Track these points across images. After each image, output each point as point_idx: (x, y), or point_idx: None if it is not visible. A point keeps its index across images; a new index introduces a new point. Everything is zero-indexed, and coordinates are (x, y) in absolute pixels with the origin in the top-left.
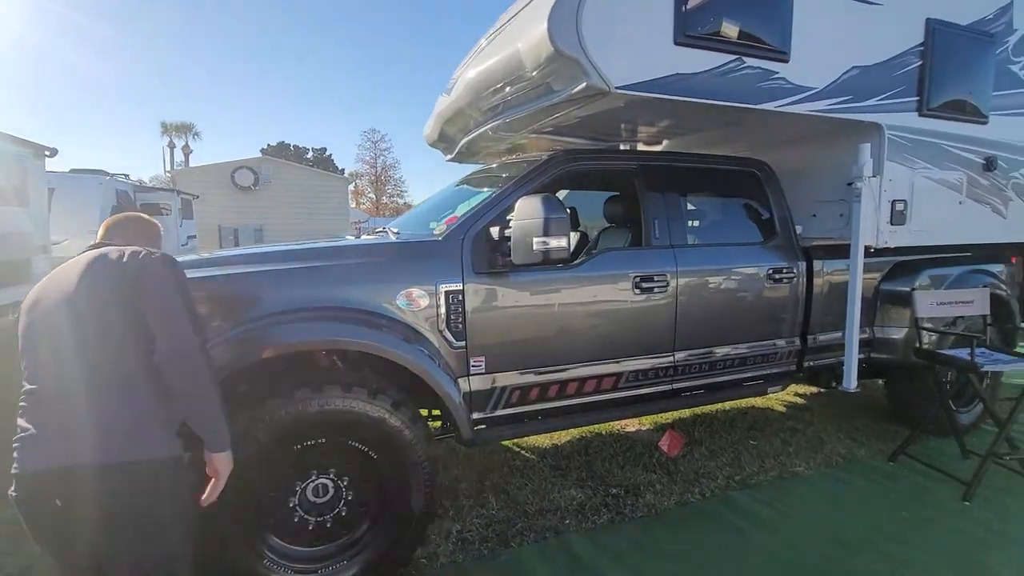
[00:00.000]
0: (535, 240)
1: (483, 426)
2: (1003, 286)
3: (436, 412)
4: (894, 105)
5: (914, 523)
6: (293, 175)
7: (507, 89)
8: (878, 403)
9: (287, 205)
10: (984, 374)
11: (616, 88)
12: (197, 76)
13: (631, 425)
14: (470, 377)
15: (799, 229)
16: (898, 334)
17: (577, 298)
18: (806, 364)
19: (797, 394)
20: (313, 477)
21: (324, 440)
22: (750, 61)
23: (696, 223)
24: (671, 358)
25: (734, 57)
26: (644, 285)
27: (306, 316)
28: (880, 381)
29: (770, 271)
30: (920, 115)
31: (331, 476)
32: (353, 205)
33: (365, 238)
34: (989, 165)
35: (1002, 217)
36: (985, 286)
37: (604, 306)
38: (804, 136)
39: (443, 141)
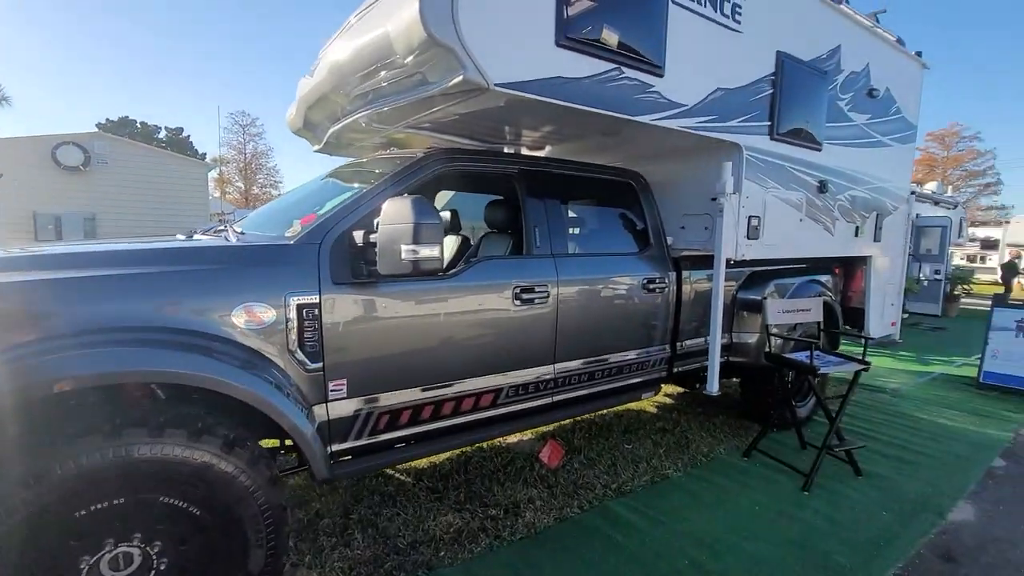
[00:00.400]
0: (404, 248)
1: (347, 457)
2: (831, 294)
3: (290, 442)
4: (751, 128)
5: (765, 517)
6: (137, 156)
7: (379, 75)
8: (734, 400)
9: (129, 191)
10: (820, 375)
11: (495, 85)
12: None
13: (512, 437)
14: (329, 404)
15: (670, 240)
16: (752, 339)
17: (453, 310)
18: (675, 370)
19: (666, 394)
20: (108, 547)
21: (123, 500)
22: (628, 72)
23: (576, 232)
24: (551, 370)
25: (613, 66)
26: (525, 296)
27: (112, 338)
28: (736, 380)
29: (645, 281)
30: (771, 139)
31: (136, 543)
32: (217, 195)
33: (199, 239)
34: (822, 188)
35: (831, 234)
36: (819, 295)
37: (483, 318)
38: (674, 151)
39: (309, 129)
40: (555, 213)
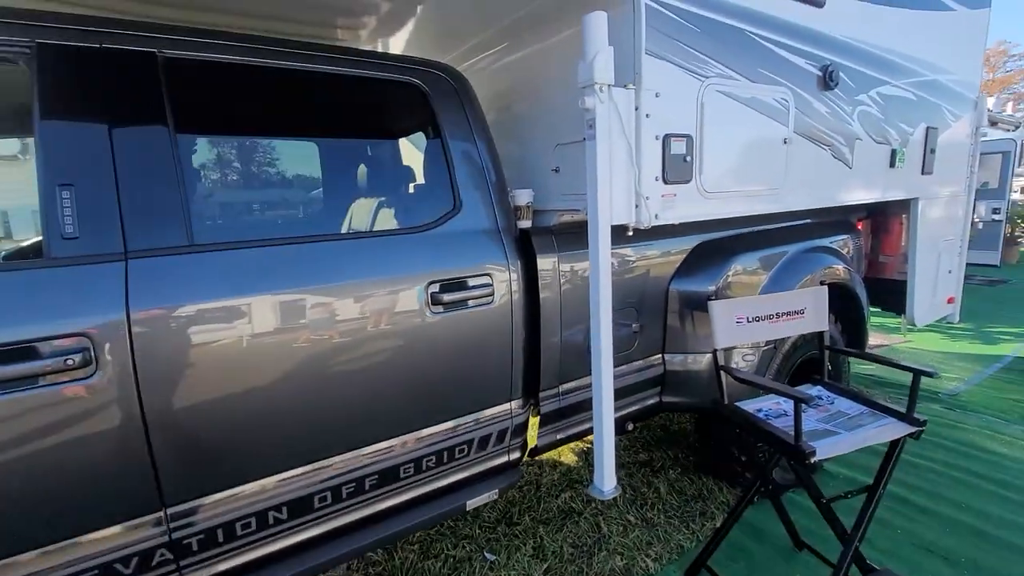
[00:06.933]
0: None
1: None
2: (849, 268)
3: None
4: None
5: None
6: None
7: None
8: (689, 438)
9: None
10: (815, 464)
11: None
12: None
13: None
14: None
15: (528, 195)
16: (701, 364)
17: None
18: (543, 441)
19: None
20: None
21: None
22: None
23: (229, 191)
24: (158, 524)
25: None
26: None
27: None
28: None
29: (434, 287)
30: None
31: None
32: None
33: None
34: (828, 80)
35: (846, 166)
36: (823, 280)
37: None
38: (525, 20)
39: None
40: (147, 149)
